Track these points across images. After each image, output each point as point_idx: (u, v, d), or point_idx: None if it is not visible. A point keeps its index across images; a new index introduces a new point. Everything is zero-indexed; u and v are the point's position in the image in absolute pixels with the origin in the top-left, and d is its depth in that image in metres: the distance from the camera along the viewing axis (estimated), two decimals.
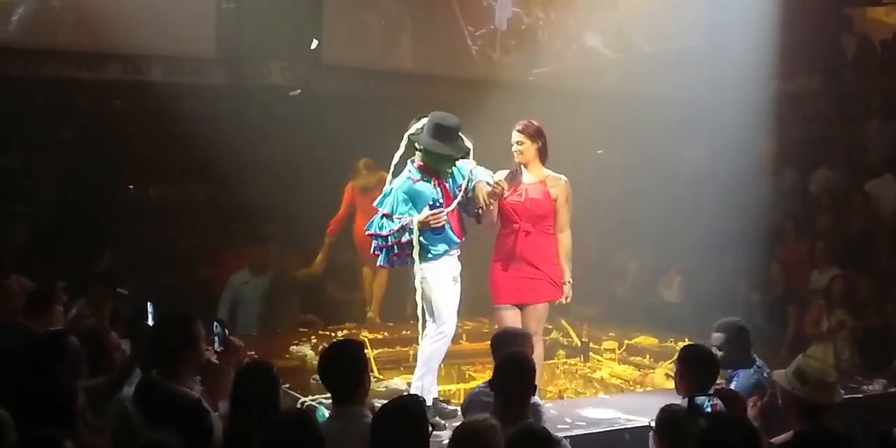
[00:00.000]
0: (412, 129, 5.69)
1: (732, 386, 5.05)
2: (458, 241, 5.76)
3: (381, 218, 5.63)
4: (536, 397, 4.49)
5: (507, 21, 11.09)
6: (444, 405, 5.77)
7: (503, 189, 5.82)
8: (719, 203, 9.70)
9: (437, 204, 5.63)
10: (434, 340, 5.71)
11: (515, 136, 6.04)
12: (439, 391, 6.08)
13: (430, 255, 5.63)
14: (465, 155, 5.74)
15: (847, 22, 11.81)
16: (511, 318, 5.97)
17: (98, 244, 9.95)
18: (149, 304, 4.75)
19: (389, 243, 5.60)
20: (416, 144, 5.64)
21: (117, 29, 8.90)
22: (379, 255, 5.75)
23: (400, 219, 5.56)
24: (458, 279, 5.82)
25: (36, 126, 9.91)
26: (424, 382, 5.69)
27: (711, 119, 9.85)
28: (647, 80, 10.66)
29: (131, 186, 11.40)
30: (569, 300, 6.15)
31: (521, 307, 6.02)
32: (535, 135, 6.02)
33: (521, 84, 10.59)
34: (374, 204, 5.73)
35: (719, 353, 5.11)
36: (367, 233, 5.75)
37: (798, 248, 9.26)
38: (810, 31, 10.56)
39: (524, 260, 5.97)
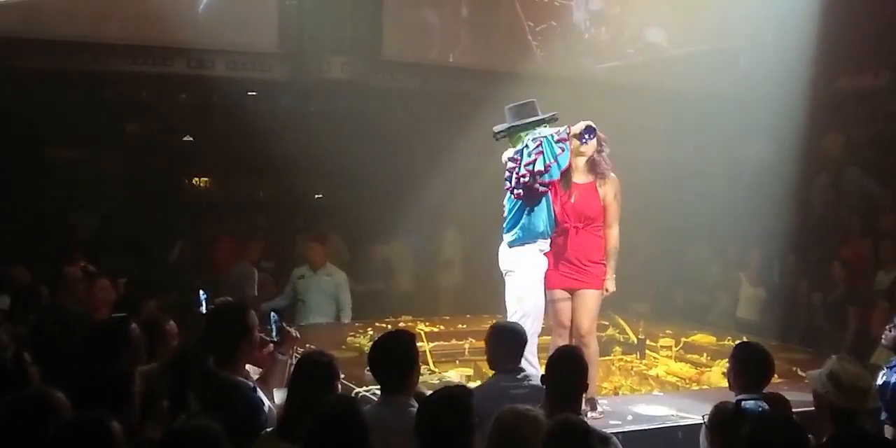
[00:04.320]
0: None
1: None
2: (551, 232, 5.85)
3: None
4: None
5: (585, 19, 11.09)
6: None
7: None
8: (783, 201, 9.58)
9: None
10: None
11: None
12: None
13: (526, 238, 5.73)
14: (539, 122, 5.84)
15: None
16: (561, 307, 5.95)
17: (163, 235, 10.16)
18: (201, 292, 4.82)
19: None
20: (498, 136, 5.91)
21: (181, 24, 9.07)
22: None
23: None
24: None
25: (103, 119, 10.14)
26: None
27: (775, 116, 9.71)
28: (710, 76, 10.53)
29: (195, 179, 11.62)
30: (608, 292, 6.01)
31: (571, 295, 5.97)
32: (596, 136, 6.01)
33: (581, 80, 10.54)
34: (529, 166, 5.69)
35: (892, 334, 5.16)
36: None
37: (861, 248, 9.08)
38: (878, 27, 10.32)
39: (574, 257, 5.94)
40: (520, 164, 5.70)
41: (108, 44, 9.29)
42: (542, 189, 5.73)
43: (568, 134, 5.79)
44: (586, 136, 5.86)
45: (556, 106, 6.03)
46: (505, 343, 4.96)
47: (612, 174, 6.04)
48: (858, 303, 8.52)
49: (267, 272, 9.85)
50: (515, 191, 5.75)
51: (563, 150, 5.71)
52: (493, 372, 5.00)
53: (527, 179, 5.68)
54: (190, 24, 9.18)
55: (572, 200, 5.94)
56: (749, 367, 4.53)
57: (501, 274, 5.96)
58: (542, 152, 5.66)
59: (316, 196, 10.61)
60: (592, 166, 6.00)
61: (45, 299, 6.31)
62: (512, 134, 5.91)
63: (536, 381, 4.83)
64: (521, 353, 4.98)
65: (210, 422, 3.21)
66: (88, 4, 9.19)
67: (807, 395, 4.90)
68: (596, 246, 6.00)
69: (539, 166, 5.64)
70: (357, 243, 10.75)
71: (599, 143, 6.00)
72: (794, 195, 9.98)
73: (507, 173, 5.80)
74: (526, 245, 5.79)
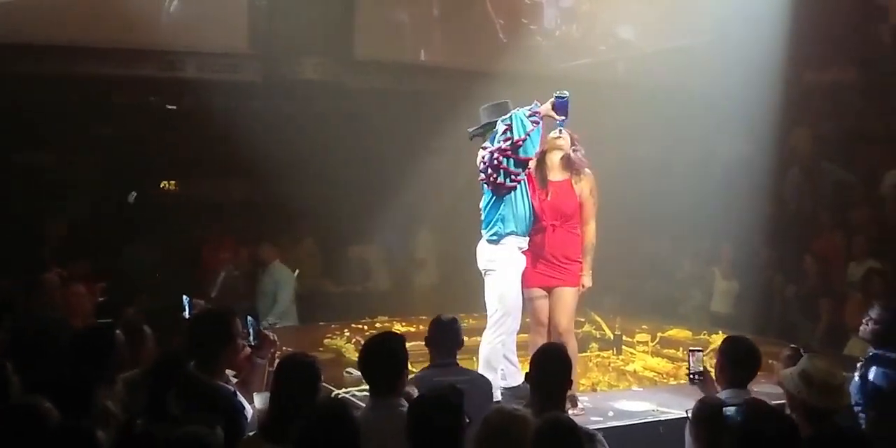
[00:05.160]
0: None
1: (872, 370, 5.02)
2: (531, 225, 5.83)
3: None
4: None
5: (556, 16, 11.12)
6: None
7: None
8: (755, 195, 9.65)
9: None
10: (493, 338, 5.68)
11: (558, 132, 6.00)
12: None
13: (506, 231, 5.71)
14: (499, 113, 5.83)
15: (882, 12, 11.64)
16: (539, 305, 5.99)
17: (135, 240, 10.08)
18: (185, 297, 4.79)
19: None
20: (472, 135, 5.98)
21: (151, 26, 9.00)
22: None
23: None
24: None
25: (74, 123, 10.04)
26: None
27: (747, 111, 9.78)
28: (681, 72, 10.60)
29: (167, 182, 11.52)
30: (584, 288, 6.05)
31: (549, 293, 6.01)
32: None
33: (553, 77, 10.55)
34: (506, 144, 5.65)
35: (874, 327, 5.18)
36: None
37: (832, 241, 9.17)
38: (843, 22, 10.44)
39: (551, 255, 5.95)
40: (491, 150, 5.68)
41: (77, 47, 9.19)
42: (515, 170, 5.66)
43: (539, 111, 5.74)
44: (560, 110, 5.80)
45: (529, 104, 6.03)
46: (441, 339, 5.08)
47: (588, 170, 6.06)
48: (830, 295, 8.61)
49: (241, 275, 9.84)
50: (490, 178, 5.69)
51: (536, 124, 5.64)
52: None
53: (499, 161, 5.62)
54: (159, 25, 9.11)
55: (548, 198, 5.95)
56: (735, 362, 4.53)
57: (477, 272, 5.94)
58: (510, 129, 5.62)
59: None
60: (568, 163, 6.02)
61: (21, 306, 6.25)
62: (486, 133, 5.91)
63: (474, 376, 4.97)
64: (456, 350, 5.09)
65: (202, 428, 3.21)
66: (56, 8, 9.09)
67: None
68: (573, 243, 6.02)
69: (508, 144, 5.60)
70: (333, 244, 10.72)
71: (573, 143, 6.03)
72: (767, 189, 10.05)
73: (481, 165, 5.77)
74: (506, 241, 5.76)
